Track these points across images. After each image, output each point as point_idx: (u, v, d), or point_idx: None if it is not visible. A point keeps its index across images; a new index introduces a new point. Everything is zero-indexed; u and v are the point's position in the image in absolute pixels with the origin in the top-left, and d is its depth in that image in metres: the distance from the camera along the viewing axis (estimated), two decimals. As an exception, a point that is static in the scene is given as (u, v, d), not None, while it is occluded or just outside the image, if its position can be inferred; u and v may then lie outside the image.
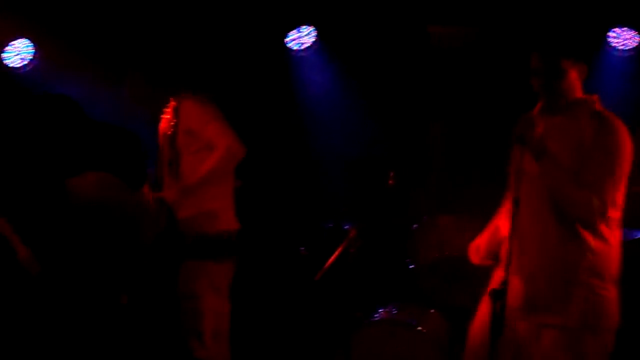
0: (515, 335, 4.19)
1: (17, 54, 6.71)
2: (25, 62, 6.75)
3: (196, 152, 5.40)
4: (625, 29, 6.81)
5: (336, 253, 5.30)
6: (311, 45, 7.06)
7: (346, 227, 5.86)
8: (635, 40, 6.83)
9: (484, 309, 4.53)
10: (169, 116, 5.54)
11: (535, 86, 4.17)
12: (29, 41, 6.68)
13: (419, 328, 5.64)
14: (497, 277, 4.51)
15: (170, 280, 5.63)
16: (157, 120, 5.64)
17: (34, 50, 6.71)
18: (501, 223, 4.52)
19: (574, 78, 4.17)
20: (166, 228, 5.51)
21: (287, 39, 7.06)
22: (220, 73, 7.13)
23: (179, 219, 5.39)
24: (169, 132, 5.49)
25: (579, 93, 4.20)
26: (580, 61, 4.21)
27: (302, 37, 7.05)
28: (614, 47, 6.85)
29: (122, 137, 5.41)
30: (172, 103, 5.52)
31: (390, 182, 6.00)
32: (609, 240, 4.14)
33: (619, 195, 4.14)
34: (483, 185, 6.12)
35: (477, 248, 4.66)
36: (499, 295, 3.92)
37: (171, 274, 5.61)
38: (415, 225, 6.36)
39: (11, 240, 5.05)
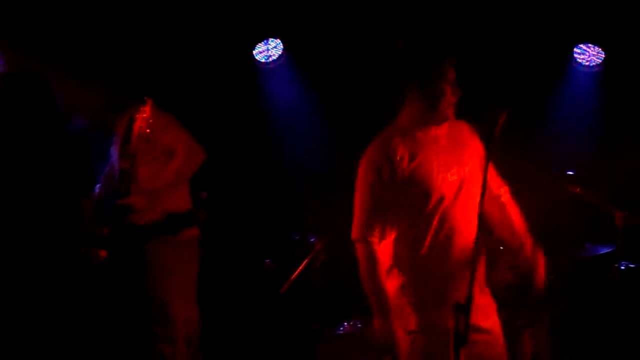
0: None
1: None
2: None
3: (154, 158, 5.43)
4: (590, 45, 6.83)
5: (302, 266, 5.34)
6: (278, 57, 7.00)
7: (312, 239, 5.83)
8: (600, 57, 6.85)
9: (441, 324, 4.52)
10: (123, 124, 5.50)
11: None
12: None
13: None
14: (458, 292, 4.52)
15: (136, 287, 5.54)
16: (103, 128, 5.65)
17: None
18: None
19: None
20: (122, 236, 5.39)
21: (254, 52, 7.02)
22: (187, 84, 7.02)
23: (143, 222, 5.35)
24: (124, 140, 5.47)
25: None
26: None
27: (269, 50, 7.01)
28: (580, 63, 6.86)
29: (72, 139, 5.00)
30: (130, 111, 5.45)
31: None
32: None
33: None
34: None
35: None
36: (463, 310, 3.88)
37: (136, 282, 5.52)
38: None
39: None
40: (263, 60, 7.03)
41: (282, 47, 6.99)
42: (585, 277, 6.35)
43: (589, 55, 6.87)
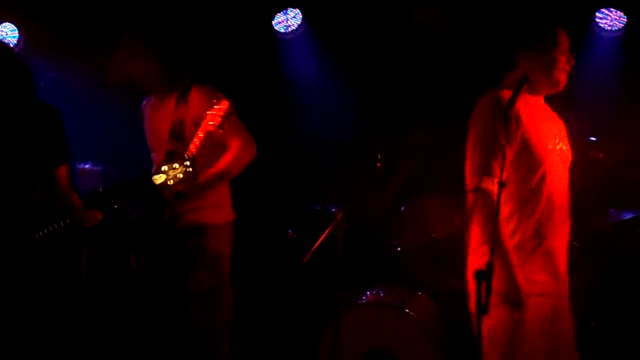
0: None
1: (2, 38, 6.68)
2: (11, 44, 6.73)
3: (209, 151, 5.29)
4: (612, 9, 6.88)
5: (323, 236, 5.23)
6: (297, 27, 7.09)
7: (333, 209, 5.89)
8: (622, 21, 6.89)
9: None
10: (170, 105, 5.42)
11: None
12: (14, 26, 6.77)
13: (406, 310, 5.64)
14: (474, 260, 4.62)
15: (186, 278, 5.47)
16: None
17: (18, 35, 6.78)
18: None
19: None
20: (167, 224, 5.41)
21: (274, 22, 7.09)
22: (206, 54, 6.96)
23: (183, 210, 5.27)
24: (173, 122, 5.41)
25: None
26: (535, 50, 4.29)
27: (288, 20, 7.08)
28: (602, 27, 6.91)
29: (44, 110, 4.96)
30: (175, 92, 5.36)
31: (378, 165, 5.99)
32: None
33: None
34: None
35: None
36: (484, 277, 3.90)
37: (186, 272, 5.44)
38: (402, 208, 6.36)
39: None
40: (282, 31, 7.11)
41: (301, 16, 7.05)
42: (610, 244, 6.21)
43: (610, 19, 6.90)
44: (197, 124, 5.05)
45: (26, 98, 4.81)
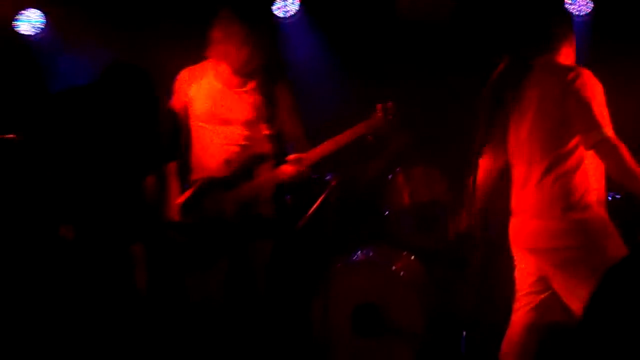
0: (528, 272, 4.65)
1: (29, 23, 6.90)
2: (37, 31, 6.96)
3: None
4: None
5: (318, 201, 5.36)
6: (295, 12, 7.19)
7: (328, 177, 6.17)
8: (589, 6, 7.07)
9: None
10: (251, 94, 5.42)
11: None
12: (39, 11, 6.86)
13: (393, 268, 6.00)
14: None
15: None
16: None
17: (44, 19, 6.91)
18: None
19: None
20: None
21: (273, 7, 7.18)
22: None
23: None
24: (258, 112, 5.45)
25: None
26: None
27: (287, 5, 7.19)
28: (571, 13, 7.01)
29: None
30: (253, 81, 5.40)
31: (370, 138, 5.88)
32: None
33: None
34: (450, 140, 6.49)
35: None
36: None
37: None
38: (390, 176, 6.72)
39: None
40: (281, 15, 7.21)
41: (298, 2, 7.18)
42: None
43: (578, 5, 7.09)
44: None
45: (154, 114, 5.13)
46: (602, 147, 4.32)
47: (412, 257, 6.36)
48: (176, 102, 5.31)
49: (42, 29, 6.95)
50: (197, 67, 5.36)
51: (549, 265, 4.52)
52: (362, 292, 5.89)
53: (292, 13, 7.22)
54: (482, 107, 4.67)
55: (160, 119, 5.20)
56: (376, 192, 7.04)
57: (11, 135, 5.08)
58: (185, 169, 5.49)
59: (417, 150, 7.01)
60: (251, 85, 5.30)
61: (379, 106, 5.39)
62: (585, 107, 4.34)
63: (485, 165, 4.95)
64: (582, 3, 7.12)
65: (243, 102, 5.32)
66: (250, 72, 5.28)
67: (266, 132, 5.41)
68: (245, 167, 5.42)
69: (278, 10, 7.18)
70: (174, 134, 5.29)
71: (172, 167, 5.22)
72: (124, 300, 4.91)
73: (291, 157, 5.40)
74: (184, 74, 5.34)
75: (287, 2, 7.21)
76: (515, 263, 4.82)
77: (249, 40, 5.15)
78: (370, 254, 6.21)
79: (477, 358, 5.92)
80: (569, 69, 4.43)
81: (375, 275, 5.95)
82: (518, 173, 4.71)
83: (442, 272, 6.64)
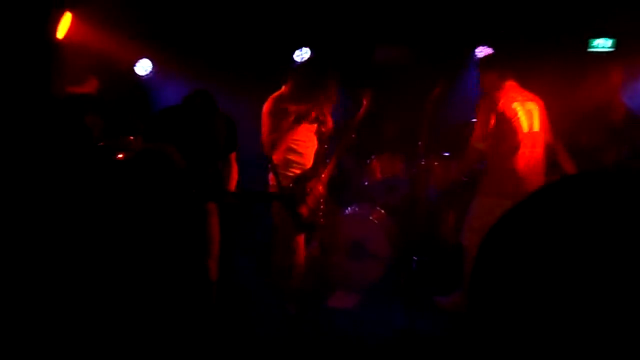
0: None
1: (143, 67, 7.35)
2: (147, 73, 7.37)
3: None
4: (485, 46, 7.54)
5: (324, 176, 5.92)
6: (308, 58, 7.56)
7: (327, 160, 6.23)
8: (489, 50, 7.45)
9: None
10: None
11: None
12: (149, 60, 7.27)
13: (370, 217, 6.86)
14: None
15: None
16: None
17: (152, 65, 7.31)
18: None
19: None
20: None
21: (294, 55, 7.62)
22: (246, 79, 7.32)
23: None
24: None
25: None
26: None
27: (302, 54, 7.59)
28: (478, 57, 7.45)
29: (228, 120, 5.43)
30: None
31: (353, 135, 6.39)
32: None
33: None
34: (406, 137, 6.94)
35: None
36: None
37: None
38: (367, 161, 7.26)
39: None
40: (299, 60, 7.58)
41: (309, 52, 7.61)
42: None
43: (485, 53, 7.49)
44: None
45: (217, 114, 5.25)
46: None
47: (382, 211, 7.13)
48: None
49: (151, 71, 7.28)
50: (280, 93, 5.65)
51: None
52: (351, 233, 6.71)
53: (305, 59, 7.57)
54: (425, 116, 5.66)
55: (218, 126, 5.26)
56: (360, 170, 7.41)
57: (131, 138, 5.29)
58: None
59: (386, 143, 7.42)
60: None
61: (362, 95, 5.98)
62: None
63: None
64: (487, 51, 7.44)
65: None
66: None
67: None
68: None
69: (298, 57, 7.55)
70: (230, 135, 5.38)
71: (232, 156, 5.41)
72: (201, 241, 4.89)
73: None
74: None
75: (302, 52, 7.55)
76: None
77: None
78: (357, 209, 6.95)
79: (422, 273, 6.50)
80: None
81: (360, 222, 6.81)
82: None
83: (401, 218, 7.20)
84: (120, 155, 5.38)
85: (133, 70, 7.20)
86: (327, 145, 5.87)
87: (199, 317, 4.25)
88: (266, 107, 5.64)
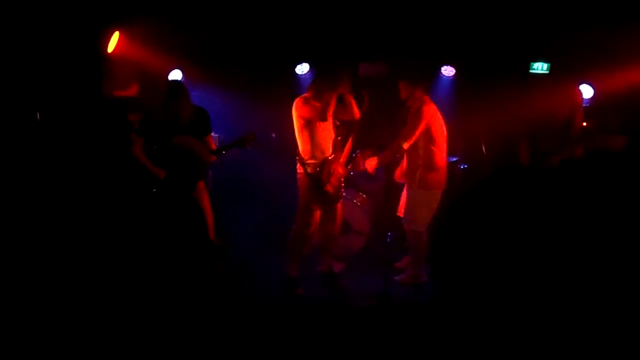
0: None
1: (175, 76, 6.99)
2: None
3: None
4: (449, 66, 7.49)
5: (325, 170, 5.78)
6: (307, 72, 7.45)
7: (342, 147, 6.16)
8: (452, 71, 7.49)
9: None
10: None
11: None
12: (180, 70, 7.03)
13: (354, 201, 6.88)
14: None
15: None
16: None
17: (181, 74, 7.06)
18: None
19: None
20: None
21: (296, 69, 7.51)
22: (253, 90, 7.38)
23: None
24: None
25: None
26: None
27: (303, 68, 7.46)
28: (444, 75, 7.55)
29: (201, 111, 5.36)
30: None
31: (339, 138, 6.00)
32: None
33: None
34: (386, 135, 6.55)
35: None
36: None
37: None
38: (353, 154, 6.69)
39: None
40: (299, 73, 7.51)
41: (308, 66, 7.49)
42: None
43: (448, 70, 7.53)
44: None
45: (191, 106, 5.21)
46: None
47: (364, 196, 7.19)
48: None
49: (181, 79, 6.91)
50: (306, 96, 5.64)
51: None
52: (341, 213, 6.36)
53: (305, 72, 7.48)
54: (400, 119, 5.75)
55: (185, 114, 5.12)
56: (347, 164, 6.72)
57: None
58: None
59: (368, 140, 7.02)
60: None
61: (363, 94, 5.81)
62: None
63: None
64: (450, 70, 7.46)
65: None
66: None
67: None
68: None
69: (299, 70, 7.46)
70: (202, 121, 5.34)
71: (209, 139, 5.41)
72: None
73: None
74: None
75: (302, 67, 7.41)
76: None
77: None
78: (344, 194, 6.45)
79: (395, 247, 6.63)
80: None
81: (345, 204, 6.53)
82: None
83: (379, 201, 7.15)
84: (154, 147, 5.47)
85: (167, 79, 7.04)
86: (342, 134, 5.92)
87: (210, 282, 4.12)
88: (294, 108, 5.68)
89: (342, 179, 5.99)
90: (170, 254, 3.75)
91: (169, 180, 3.93)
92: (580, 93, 4.72)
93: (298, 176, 5.81)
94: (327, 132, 5.71)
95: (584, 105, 5.72)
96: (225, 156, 5.54)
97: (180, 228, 3.85)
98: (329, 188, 5.77)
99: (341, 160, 5.94)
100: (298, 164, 5.78)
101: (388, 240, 6.64)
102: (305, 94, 5.71)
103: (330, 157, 5.76)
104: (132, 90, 6.57)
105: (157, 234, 3.81)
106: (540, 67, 7.01)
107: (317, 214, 5.85)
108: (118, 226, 4.59)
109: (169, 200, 3.93)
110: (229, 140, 5.63)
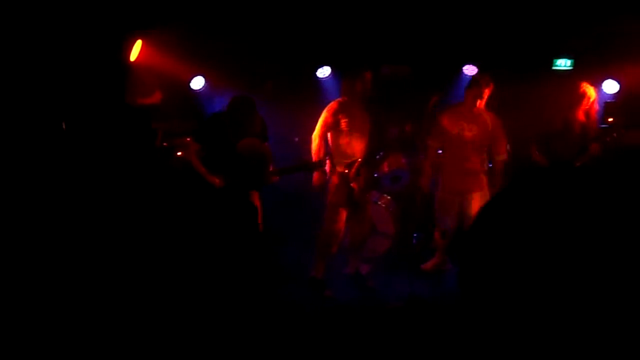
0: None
1: (197, 83, 7.24)
2: (200, 87, 7.25)
3: None
4: (471, 64, 7.35)
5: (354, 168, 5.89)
6: (328, 75, 7.46)
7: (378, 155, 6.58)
8: (474, 70, 7.30)
9: None
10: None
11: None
12: (202, 77, 7.21)
13: (379, 203, 6.96)
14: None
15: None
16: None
17: (204, 81, 7.24)
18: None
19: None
20: None
21: (317, 72, 7.51)
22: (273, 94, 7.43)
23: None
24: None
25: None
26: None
27: (324, 71, 7.46)
28: (466, 75, 7.36)
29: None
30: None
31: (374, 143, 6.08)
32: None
33: None
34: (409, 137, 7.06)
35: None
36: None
37: None
38: (377, 156, 6.76)
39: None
40: (321, 76, 7.53)
41: (330, 69, 7.48)
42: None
43: (471, 70, 7.33)
44: None
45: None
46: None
47: (389, 197, 7.17)
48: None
49: (203, 86, 7.20)
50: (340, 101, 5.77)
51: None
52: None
53: (327, 75, 7.51)
54: (424, 121, 5.87)
55: (257, 122, 5.25)
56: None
57: (187, 139, 5.49)
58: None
59: (392, 142, 7.15)
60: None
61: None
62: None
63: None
64: (474, 69, 7.28)
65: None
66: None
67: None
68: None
69: (320, 73, 7.48)
70: (264, 130, 5.46)
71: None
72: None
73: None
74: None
75: (324, 70, 7.43)
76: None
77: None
78: (372, 198, 6.77)
79: (421, 247, 6.66)
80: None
81: (372, 207, 6.66)
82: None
83: (403, 203, 7.16)
84: (179, 153, 5.73)
85: (189, 86, 7.26)
86: (376, 141, 5.99)
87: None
88: (330, 109, 5.84)
89: (369, 182, 6.12)
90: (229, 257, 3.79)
91: (235, 184, 4.18)
92: (583, 87, 4.86)
93: (326, 177, 5.89)
94: (358, 137, 5.82)
95: (607, 100, 5.99)
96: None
97: (243, 232, 3.88)
98: (354, 186, 5.84)
99: (371, 164, 6.11)
100: (328, 164, 5.84)
101: (414, 241, 6.78)
102: (339, 99, 5.85)
103: (360, 159, 5.86)
104: (156, 98, 6.67)
105: (216, 238, 3.85)
106: (564, 64, 7.04)
107: (344, 215, 5.90)
108: (144, 231, 4.70)
109: (235, 204, 3.98)
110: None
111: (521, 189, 1.56)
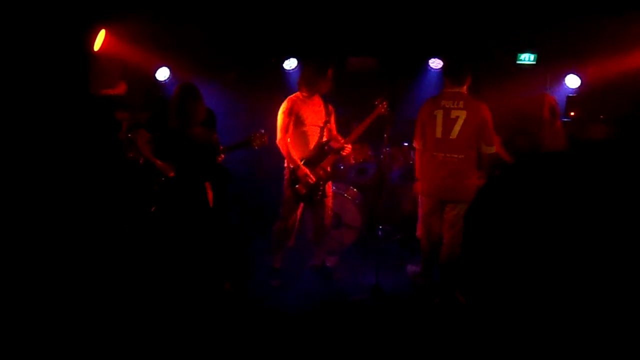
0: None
1: (162, 74, 7.19)
2: (165, 78, 7.23)
3: None
4: (436, 58, 7.47)
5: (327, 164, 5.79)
6: (295, 67, 7.50)
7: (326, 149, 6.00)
8: (439, 64, 7.43)
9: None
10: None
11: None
12: (167, 68, 7.17)
13: (345, 195, 6.78)
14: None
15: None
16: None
17: (169, 73, 7.22)
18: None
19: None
20: None
21: (284, 64, 7.57)
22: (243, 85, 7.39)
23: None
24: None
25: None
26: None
27: (290, 63, 7.52)
28: (432, 68, 7.52)
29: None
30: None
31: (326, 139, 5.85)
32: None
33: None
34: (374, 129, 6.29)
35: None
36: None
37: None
38: (325, 147, 5.97)
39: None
40: (287, 68, 7.56)
41: (296, 61, 7.53)
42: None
43: (437, 64, 7.49)
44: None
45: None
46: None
47: (355, 189, 7.07)
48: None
49: (168, 77, 7.18)
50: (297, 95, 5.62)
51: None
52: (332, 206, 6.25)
53: (293, 67, 7.55)
54: (420, 116, 5.24)
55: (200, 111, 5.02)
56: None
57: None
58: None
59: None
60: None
61: (377, 102, 5.63)
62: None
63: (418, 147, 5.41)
64: (438, 63, 7.41)
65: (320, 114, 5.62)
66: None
67: (326, 131, 5.75)
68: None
69: (287, 66, 7.53)
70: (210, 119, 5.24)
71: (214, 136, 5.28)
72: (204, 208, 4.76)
73: (340, 143, 5.72)
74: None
75: (290, 62, 7.48)
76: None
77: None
78: (334, 188, 6.46)
79: (386, 239, 6.77)
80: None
81: (336, 198, 6.52)
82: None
83: (369, 195, 7.10)
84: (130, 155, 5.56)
85: (154, 76, 7.21)
86: (326, 138, 5.80)
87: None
88: (287, 104, 5.67)
89: (322, 182, 5.85)
90: (189, 243, 4.23)
91: (185, 173, 4.17)
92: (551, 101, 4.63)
93: (285, 171, 5.82)
94: (310, 134, 5.71)
95: (568, 94, 5.94)
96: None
97: (200, 216, 4.35)
98: (300, 187, 5.72)
99: (324, 162, 5.83)
100: (286, 160, 5.77)
101: (380, 233, 6.76)
102: (297, 93, 5.70)
103: (309, 158, 5.74)
104: (120, 89, 6.58)
105: (173, 224, 4.25)
106: (527, 58, 6.97)
107: (298, 209, 5.84)
108: (116, 223, 4.84)
109: (187, 192, 4.28)
110: (230, 142, 5.50)
111: (518, 171, 1.71)
